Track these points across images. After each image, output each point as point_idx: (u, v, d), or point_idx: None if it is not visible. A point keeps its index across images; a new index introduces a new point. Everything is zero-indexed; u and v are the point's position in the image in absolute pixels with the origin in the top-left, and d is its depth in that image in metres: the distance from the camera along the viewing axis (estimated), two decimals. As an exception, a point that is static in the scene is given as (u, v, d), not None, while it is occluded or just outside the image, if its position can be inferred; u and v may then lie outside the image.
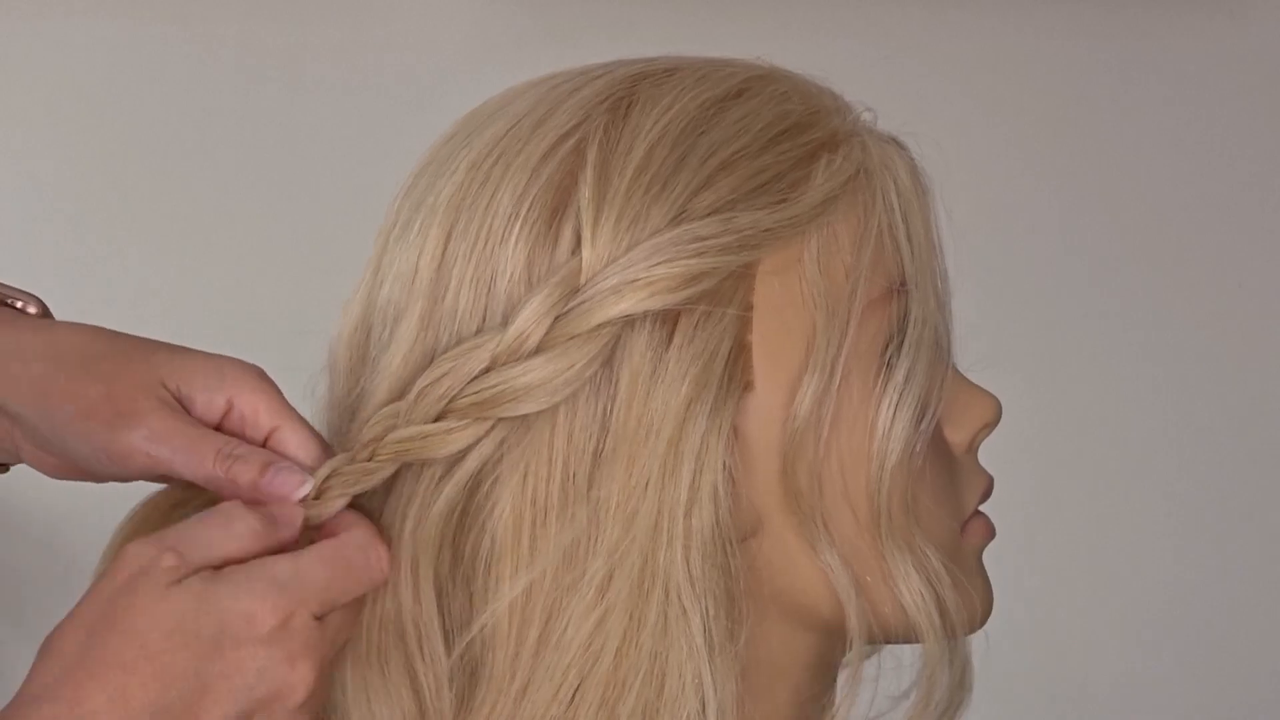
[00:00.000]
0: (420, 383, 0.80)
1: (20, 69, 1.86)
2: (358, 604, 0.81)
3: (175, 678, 0.75)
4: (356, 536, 0.80)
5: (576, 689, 0.80)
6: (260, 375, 0.85)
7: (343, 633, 0.80)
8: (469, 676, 0.82)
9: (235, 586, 0.77)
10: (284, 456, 0.83)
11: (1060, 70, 1.95)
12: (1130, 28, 1.94)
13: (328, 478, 0.82)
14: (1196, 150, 1.97)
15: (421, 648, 0.82)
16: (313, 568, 0.78)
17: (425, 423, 0.80)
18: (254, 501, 0.80)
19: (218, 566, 0.78)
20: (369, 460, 0.81)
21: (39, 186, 1.87)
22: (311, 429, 0.84)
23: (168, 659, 0.75)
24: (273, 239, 1.88)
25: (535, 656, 0.80)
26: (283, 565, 0.78)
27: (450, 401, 0.80)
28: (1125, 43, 1.95)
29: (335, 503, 0.82)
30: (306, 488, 0.81)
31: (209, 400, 0.84)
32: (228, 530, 0.79)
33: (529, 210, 0.81)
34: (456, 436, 0.80)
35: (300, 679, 0.77)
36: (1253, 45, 1.95)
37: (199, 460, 0.82)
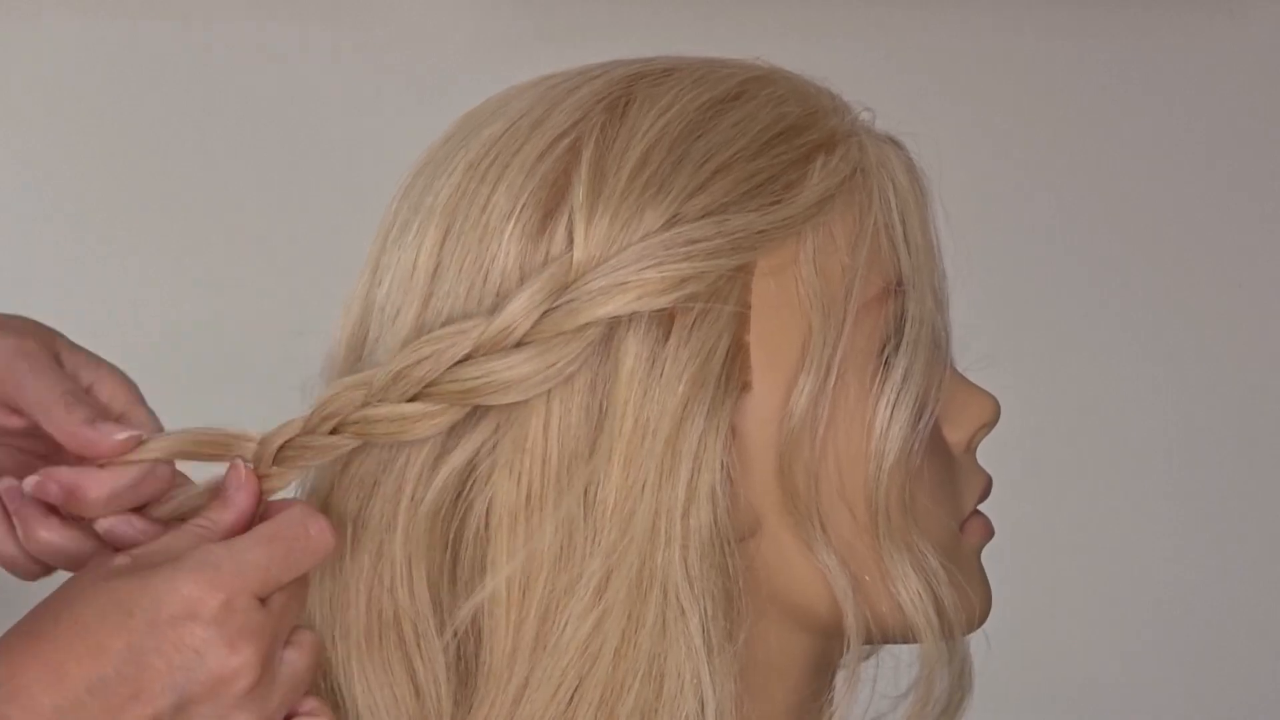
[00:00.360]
0: (398, 363, 0.80)
1: (20, 69, 1.86)
2: (301, 585, 0.81)
3: (110, 654, 0.75)
4: (293, 513, 0.80)
5: (575, 690, 0.80)
6: (126, 379, 0.85)
7: (288, 615, 0.79)
8: (468, 675, 0.82)
9: (174, 568, 0.77)
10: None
11: (1060, 70, 1.95)
12: (1130, 28, 1.94)
13: (281, 447, 0.81)
14: (1196, 150, 1.97)
15: (420, 646, 0.82)
16: (250, 548, 0.78)
17: (400, 403, 0.80)
18: (81, 454, 0.80)
19: None
20: (331, 433, 0.81)
21: (39, 186, 1.87)
22: (157, 421, 0.84)
23: (101, 637, 0.75)
24: (272, 239, 1.88)
25: (532, 657, 0.80)
26: (218, 548, 0.78)
27: (428, 386, 0.80)
28: (1125, 43, 1.94)
29: (291, 474, 0.81)
30: (121, 436, 0.80)
31: (74, 374, 0.84)
32: (182, 530, 0.79)
33: (524, 208, 0.81)
34: (433, 421, 0.80)
35: (244, 663, 0.76)
36: (1253, 45, 1.95)
37: (49, 391, 0.81)
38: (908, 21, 1.93)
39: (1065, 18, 1.93)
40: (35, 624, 0.76)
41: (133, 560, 0.78)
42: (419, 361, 0.79)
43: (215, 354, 1.80)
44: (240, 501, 0.81)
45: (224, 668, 0.76)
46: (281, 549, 0.79)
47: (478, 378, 0.79)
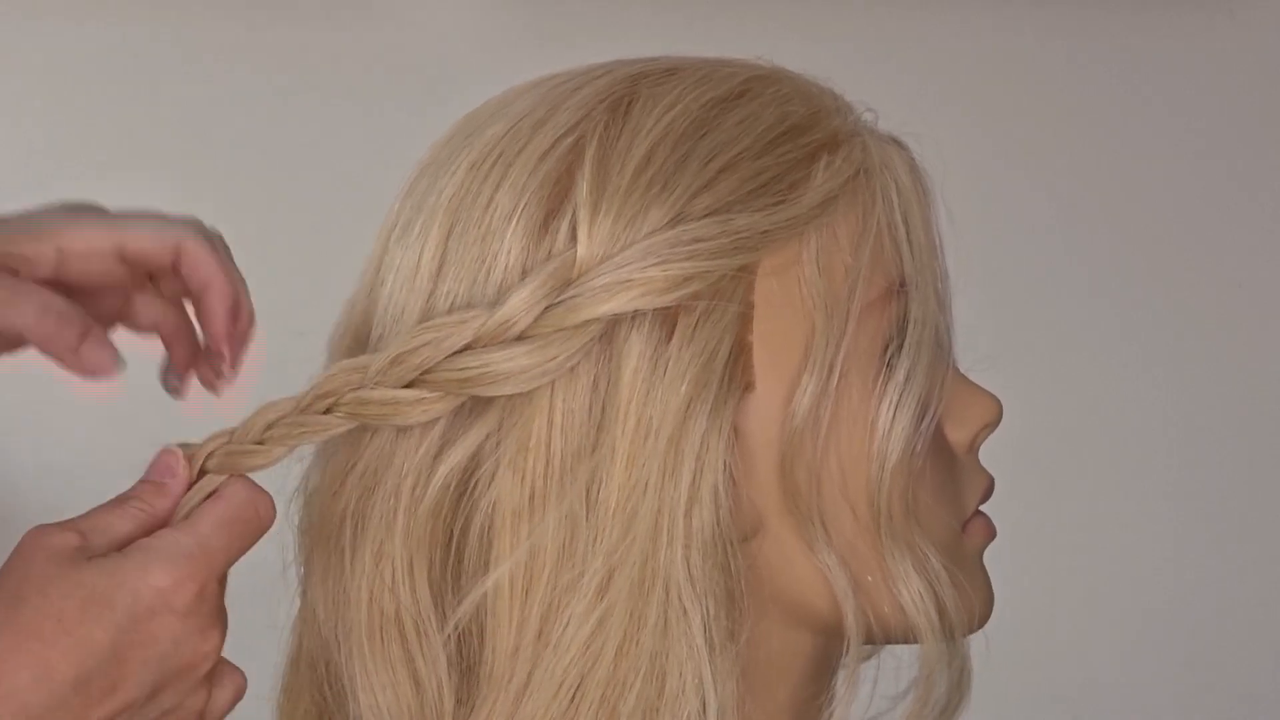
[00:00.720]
0: (397, 348, 0.80)
1: (20, 69, 1.86)
2: None
3: (93, 650, 0.75)
4: (240, 492, 0.81)
5: (577, 688, 0.80)
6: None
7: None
8: (470, 674, 0.82)
9: (145, 559, 0.77)
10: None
11: (1060, 70, 1.96)
12: (1130, 28, 1.94)
13: (270, 425, 0.81)
14: (1196, 150, 1.97)
15: (421, 645, 0.82)
16: (213, 534, 0.79)
17: (397, 388, 0.80)
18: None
19: (122, 547, 0.79)
20: (325, 413, 0.81)
21: (39, 186, 1.87)
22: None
23: (85, 632, 0.75)
24: (271, 238, 1.88)
25: (535, 656, 0.80)
26: (185, 537, 0.78)
27: (425, 373, 0.80)
28: (1125, 43, 1.95)
29: (278, 450, 0.81)
30: (118, 367, 0.83)
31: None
32: (122, 510, 0.80)
33: (526, 207, 0.81)
34: (427, 408, 0.80)
35: (212, 648, 0.78)
36: (1253, 45, 1.95)
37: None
38: (908, 21, 1.93)
39: (1065, 18, 1.93)
40: (7, 615, 0.76)
41: (81, 537, 0.78)
42: (418, 348, 0.79)
43: (215, 354, 1.80)
44: (175, 489, 0.81)
45: (195, 654, 0.78)
46: (239, 531, 0.80)
47: (475, 368, 0.79)
